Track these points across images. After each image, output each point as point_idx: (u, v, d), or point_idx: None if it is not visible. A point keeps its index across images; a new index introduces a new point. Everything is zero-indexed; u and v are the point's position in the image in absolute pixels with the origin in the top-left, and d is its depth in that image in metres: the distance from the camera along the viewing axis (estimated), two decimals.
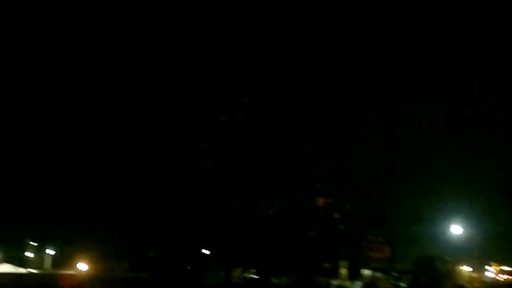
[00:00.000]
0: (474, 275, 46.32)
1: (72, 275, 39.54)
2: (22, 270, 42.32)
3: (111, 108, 35.22)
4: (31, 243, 47.92)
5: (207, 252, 40.12)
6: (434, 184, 42.71)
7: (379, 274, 42.78)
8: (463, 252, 42.80)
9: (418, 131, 41.37)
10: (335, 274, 41.72)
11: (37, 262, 48.23)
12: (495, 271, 46.34)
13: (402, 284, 42.27)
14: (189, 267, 39.05)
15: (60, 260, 46.39)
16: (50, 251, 48.29)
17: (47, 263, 48.48)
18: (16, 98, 34.47)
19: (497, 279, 46.07)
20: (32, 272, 43.53)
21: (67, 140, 36.12)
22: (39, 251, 48.47)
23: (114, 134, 35.71)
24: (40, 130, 35.28)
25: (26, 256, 48.44)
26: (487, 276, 47.33)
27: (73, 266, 42.78)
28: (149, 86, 34.28)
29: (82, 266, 41.92)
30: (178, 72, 33.97)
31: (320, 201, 40.15)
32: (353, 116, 40.07)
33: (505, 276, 46.42)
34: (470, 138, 41.44)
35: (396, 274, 42.78)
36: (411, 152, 41.94)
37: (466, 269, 46.06)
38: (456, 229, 41.87)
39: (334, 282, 41.48)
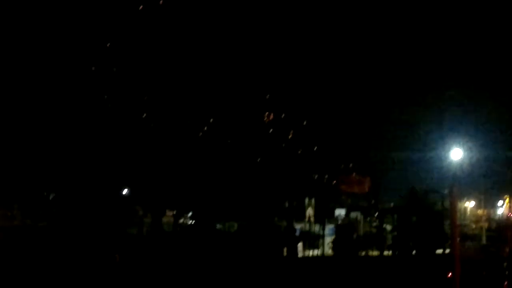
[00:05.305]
0: (480, 212, 39.35)
1: None
2: None
3: None
4: None
5: (126, 193, 35.22)
6: (428, 95, 35.27)
7: (356, 215, 36.94)
8: (465, 183, 35.57)
9: None
10: (298, 215, 35.74)
11: None
12: (507, 206, 38.66)
13: (387, 227, 34.85)
14: (103, 213, 33.32)
15: None
16: None
17: None
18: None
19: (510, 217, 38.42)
20: None
21: None
22: None
23: None
24: None
25: None
26: (497, 214, 40.14)
27: None
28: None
29: None
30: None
31: (267, 115, 33.34)
32: None
33: None
34: None
35: (378, 214, 36.30)
36: None
37: (470, 205, 38.54)
38: (456, 154, 33.17)
39: (297, 225, 35.39)
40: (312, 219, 35.56)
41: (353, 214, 36.72)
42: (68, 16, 30.15)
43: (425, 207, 33.93)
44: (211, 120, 33.84)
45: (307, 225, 35.43)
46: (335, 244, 34.22)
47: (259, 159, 34.50)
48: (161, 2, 32.21)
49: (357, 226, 35.65)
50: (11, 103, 32.54)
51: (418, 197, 34.33)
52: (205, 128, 34.05)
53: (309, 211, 35.62)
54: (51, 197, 34.77)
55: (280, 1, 33.50)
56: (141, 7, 32.16)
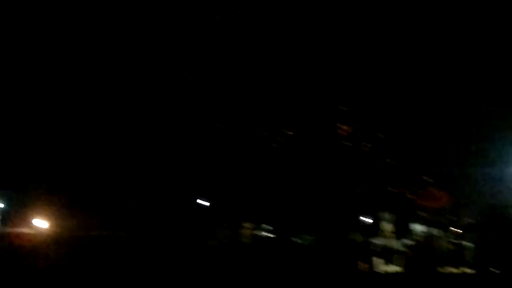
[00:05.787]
0: None
1: (27, 234, 33.65)
2: None
3: None
4: None
5: (206, 204, 34.73)
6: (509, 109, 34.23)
7: (435, 230, 36.02)
8: None
9: None
10: (375, 230, 35.34)
11: None
12: None
13: (467, 243, 34.24)
14: (183, 224, 33.64)
15: (11, 215, 38.20)
16: None
17: None
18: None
19: None
20: None
21: None
22: None
23: None
24: None
25: None
26: None
27: (29, 223, 35.78)
28: None
29: (40, 223, 34.83)
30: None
31: (343, 127, 33.38)
32: None
33: None
34: None
35: (458, 230, 35.96)
36: None
37: None
38: None
39: (375, 241, 35.02)
40: (388, 234, 35.21)
41: (431, 230, 36.19)
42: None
43: (507, 224, 33.40)
44: (288, 132, 33.84)
45: (384, 240, 35.04)
46: (412, 260, 33.85)
47: (334, 172, 34.35)
48: (239, 12, 32.48)
49: (435, 242, 35.23)
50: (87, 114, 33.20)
51: (500, 213, 33.82)
52: (282, 140, 34.07)
53: (386, 226, 35.32)
54: (130, 207, 35.17)
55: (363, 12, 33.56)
56: (216, 17, 32.53)
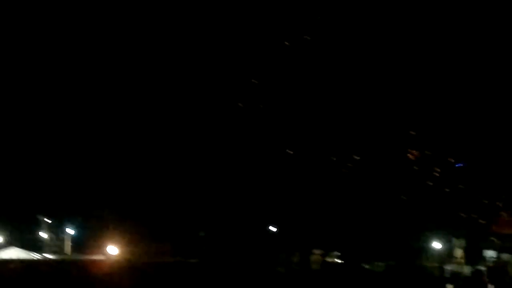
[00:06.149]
0: None
1: (100, 261, 34.60)
2: (34, 255, 37.60)
3: None
4: (45, 220, 43.12)
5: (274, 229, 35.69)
6: None
7: (508, 257, 35.42)
8: None
9: None
10: (447, 256, 35.60)
11: (54, 245, 43.78)
12: None
13: None
14: (251, 251, 34.48)
15: (83, 242, 40.86)
16: (70, 231, 43.18)
17: (67, 246, 43.67)
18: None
19: None
20: (48, 258, 38.78)
21: None
22: (56, 230, 43.82)
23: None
24: None
25: (40, 237, 43.80)
26: None
27: (100, 249, 36.77)
28: None
29: (112, 250, 35.48)
30: None
31: (413, 153, 33.34)
32: None
33: None
34: None
35: None
36: None
37: None
38: None
39: (447, 267, 34.90)
40: (461, 260, 35.09)
41: (504, 256, 35.93)
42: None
43: None
44: (356, 157, 33.90)
45: (456, 266, 34.91)
46: (485, 286, 33.61)
47: (404, 197, 34.32)
48: (308, 38, 32.76)
49: (508, 268, 34.92)
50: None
51: None
52: (350, 166, 34.13)
53: (458, 252, 35.22)
54: (201, 234, 35.63)
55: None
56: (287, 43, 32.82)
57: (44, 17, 32.11)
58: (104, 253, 36.52)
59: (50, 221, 43.15)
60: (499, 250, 36.12)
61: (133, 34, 32.30)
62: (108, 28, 32.13)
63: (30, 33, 32.18)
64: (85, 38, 32.60)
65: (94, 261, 34.56)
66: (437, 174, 34.34)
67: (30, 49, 32.52)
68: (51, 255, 40.79)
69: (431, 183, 34.31)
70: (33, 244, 41.03)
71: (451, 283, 34.26)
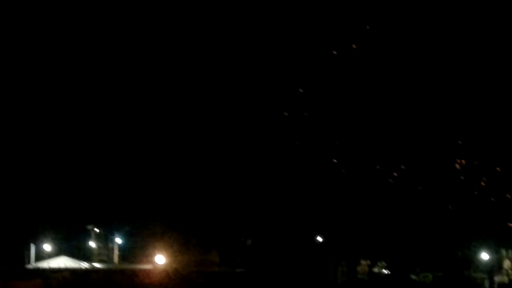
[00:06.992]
0: None
1: (147, 270, 35.01)
2: (83, 265, 38.04)
3: None
4: (94, 229, 43.52)
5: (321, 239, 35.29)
6: None
7: None
8: None
9: None
10: (495, 267, 35.34)
11: (102, 254, 44.24)
12: None
13: None
14: (298, 261, 34.09)
15: (131, 252, 41.34)
16: (117, 240, 43.65)
17: (115, 255, 44.24)
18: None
19: None
20: (96, 267, 39.21)
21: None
22: (104, 239, 44.33)
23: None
24: None
25: (88, 246, 44.20)
26: None
27: (147, 259, 37.00)
28: None
29: (159, 259, 35.73)
30: None
31: (460, 162, 32.50)
32: None
33: None
34: None
35: None
36: None
37: None
38: None
39: (495, 278, 34.81)
40: (510, 271, 34.73)
41: None
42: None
43: None
44: (402, 167, 33.73)
45: (506, 278, 34.55)
46: None
47: (451, 207, 34.04)
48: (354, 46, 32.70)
49: None
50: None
51: None
52: (396, 175, 33.98)
53: (507, 263, 34.86)
54: (248, 244, 35.79)
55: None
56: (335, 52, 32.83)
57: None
58: (152, 262, 36.62)
59: (98, 231, 43.55)
60: None
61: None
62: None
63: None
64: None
65: (142, 270, 35.11)
66: (484, 184, 34.08)
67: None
68: (99, 264, 41.31)
69: (478, 193, 34.08)
70: (82, 253, 41.45)
71: None
